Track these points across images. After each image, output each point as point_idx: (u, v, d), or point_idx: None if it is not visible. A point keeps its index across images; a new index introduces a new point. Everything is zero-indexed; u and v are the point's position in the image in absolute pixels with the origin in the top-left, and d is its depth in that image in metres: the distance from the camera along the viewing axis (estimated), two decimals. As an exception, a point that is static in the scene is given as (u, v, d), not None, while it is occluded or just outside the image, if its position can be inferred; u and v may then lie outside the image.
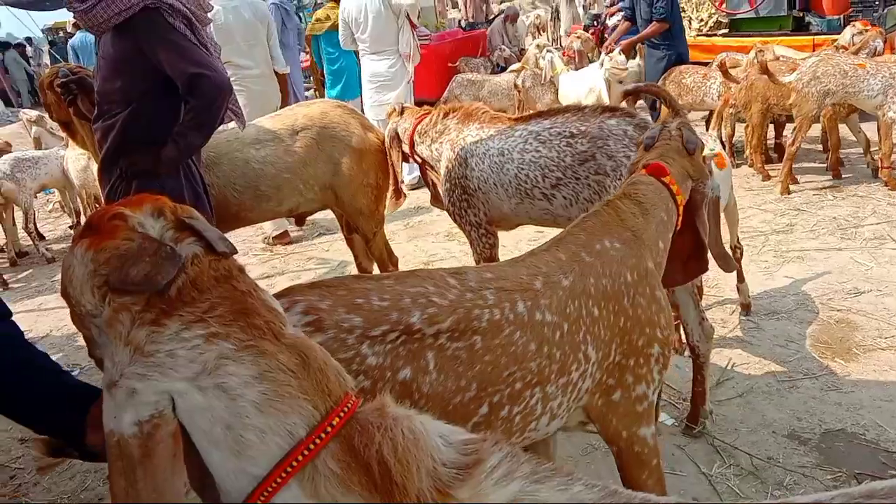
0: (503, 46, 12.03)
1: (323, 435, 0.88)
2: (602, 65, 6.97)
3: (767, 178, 5.94)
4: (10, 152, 6.37)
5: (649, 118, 2.90)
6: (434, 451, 0.89)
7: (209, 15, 2.70)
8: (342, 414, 0.91)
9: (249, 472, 0.89)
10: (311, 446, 0.88)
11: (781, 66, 5.66)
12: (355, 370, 1.41)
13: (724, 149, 5.79)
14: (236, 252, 0.99)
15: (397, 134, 3.43)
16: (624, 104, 5.41)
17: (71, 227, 6.98)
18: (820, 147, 6.55)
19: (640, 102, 7.90)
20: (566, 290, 1.69)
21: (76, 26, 13.49)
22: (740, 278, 3.73)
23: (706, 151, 3.31)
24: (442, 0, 11.38)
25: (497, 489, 0.88)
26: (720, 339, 3.52)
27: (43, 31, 20.65)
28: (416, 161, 3.44)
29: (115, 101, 2.51)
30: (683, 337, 2.97)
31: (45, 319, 4.87)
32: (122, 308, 0.89)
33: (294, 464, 0.87)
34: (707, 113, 7.15)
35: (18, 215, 6.35)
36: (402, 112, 3.49)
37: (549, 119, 2.79)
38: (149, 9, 2.38)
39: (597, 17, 11.60)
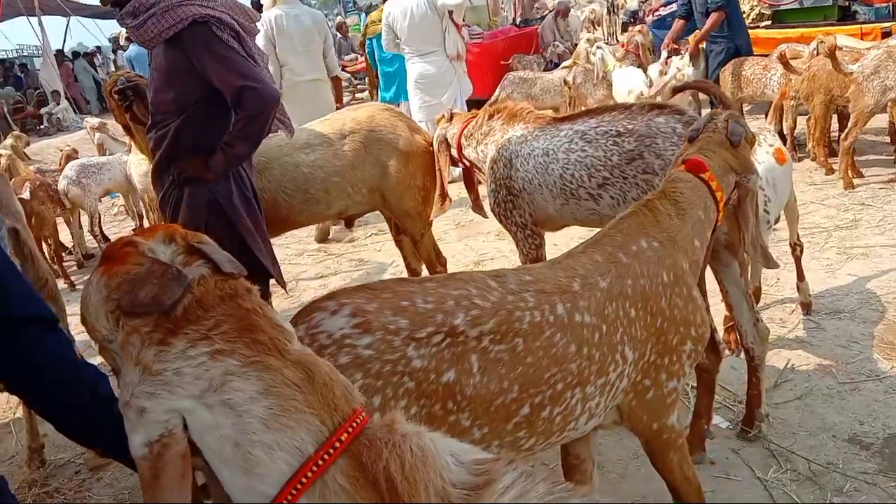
0: (556, 42, 11.91)
1: (331, 451, 0.88)
2: (663, 69, 6.84)
3: (831, 171, 5.72)
4: (77, 158, 6.63)
5: (695, 113, 2.82)
6: (443, 471, 0.88)
7: (257, 25, 2.75)
8: (351, 429, 0.90)
9: (259, 489, 0.89)
10: (320, 462, 0.87)
11: (845, 56, 5.44)
12: (401, 372, 1.43)
13: (785, 143, 5.61)
14: (245, 273, 1.01)
15: (446, 139, 3.43)
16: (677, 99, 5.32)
17: (133, 230, 7.22)
18: (888, 139, 6.27)
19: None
20: (604, 292, 1.69)
21: (128, 39, 14.00)
22: (800, 276, 3.61)
23: (765, 146, 3.21)
24: (497, -1, 11.33)
25: None
26: (779, 339, 3.41)
27: (109, 40, 21.44)
28: (463, 164, 3.44)
29: (167, 111, 2.59)
30: (739, 338, 2.89)
31: (109, 320, 5.06)
32: (133, 330, 0.92)
33: (303, 481, 0.87)
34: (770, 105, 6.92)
35: (84, 219, 6.60)
36: (450, 118, 3.49)
37: (596, 118, 2.75)
38: (197, 23, 2.44)
39: (634, 14, 11.20)
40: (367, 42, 7.82)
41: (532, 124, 3.00)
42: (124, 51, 13.77)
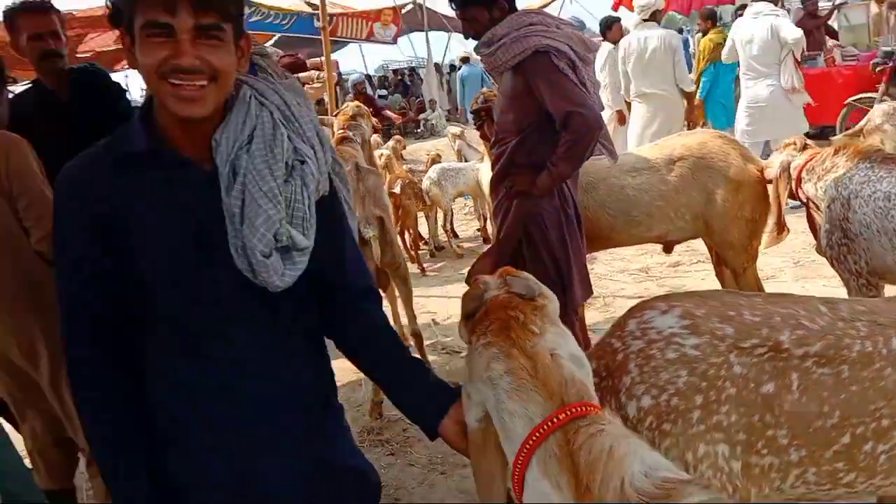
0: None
1: (550, 423, 1.12)
2: None
3: None
4: (440, 162, 7.61)
5: None
6: (627, 475, 1.02)
7: (596, 54, 2.99)
8: (568, 413, 1.12)
9: (510, 450, 1.17)
10: (543, 430, 1.12)
11: None
12: (723, 376, 1.51)
13: None
14: (533, 294, 1.31)
15: (788, 167, 3.29)
16: None
17: (478, 230, 8.01)
18: None
19: None
20: None
21: (464, 60, 15.43)
22: None
23: None
24: (883, 16, 9.96)
25: None
26: None
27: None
28: (800, 200, 3.27)
29: (508, 130, 2.94)
30: None
31: (448, 305, 5.73)
32: (467, 333, 1.33)
33: (531, 442, 1.11)
34: None
35: (440, 215, 7.54)
36: (803, 147, 3.34)
37: None
38: (538, 52, 2.73)
39: (889, 54, 8.40)
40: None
41: (879, 164, 2.75)
42: (457, 70, 15.26)
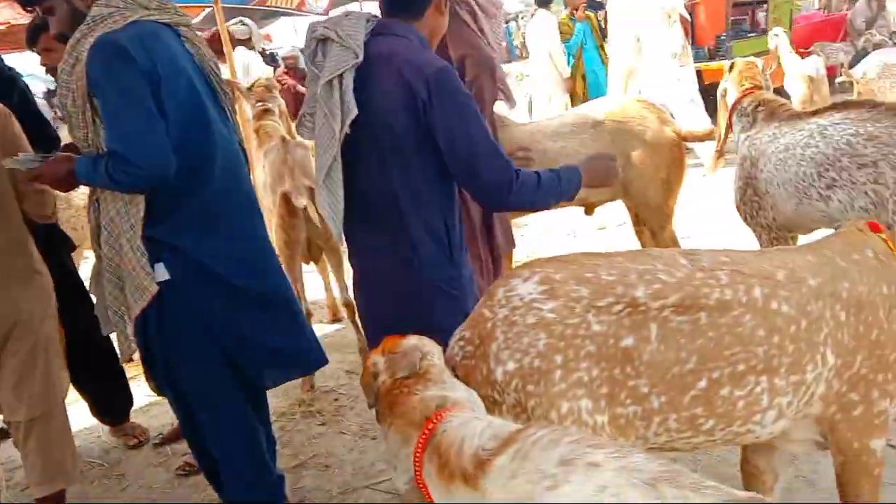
0: (873, 31, 10.61)
1: (421, 440, 1.37)
2: None
3: None
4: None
5: None
6: (476, 444, 1.21)
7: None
8: (435, 419, 1.38)
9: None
10: (418, 446, 1.37)
11: None
12: (581, 335, 1.57)
13: None
14: (416, 369, 1.52)
15: (725, 94, 3.36)
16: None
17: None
18: None
19: None
20: (811, 289, 1.68)
21: None
22: None
23: None
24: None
25: (543, 452, 1.05)
26: None
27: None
28: (727, 124, 3.33)
29: None
30: None
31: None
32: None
33: (417, 461, 1.37)
34: None
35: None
36: (731, 68, 3.38)
37: (841, 113, 2.56)
38: None
39: None
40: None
41: (786, 122, 2.87)
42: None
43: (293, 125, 6.13)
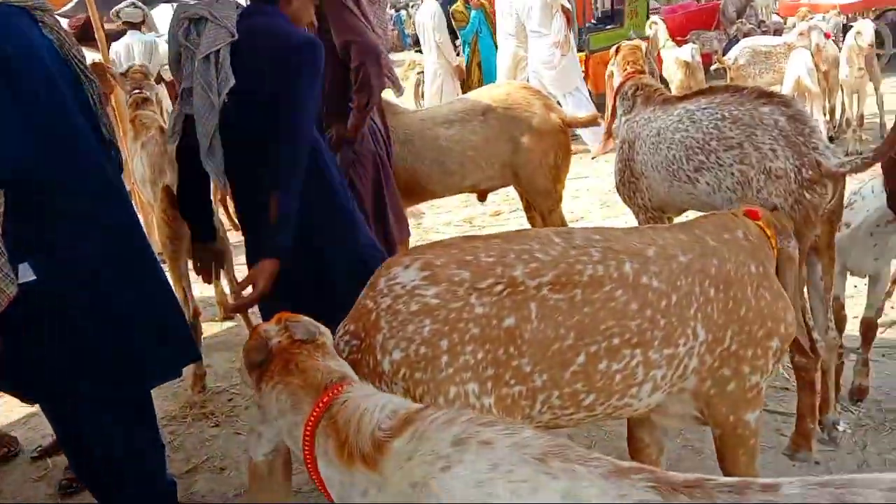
0: (743, 20, 11.25)
1: (319, 405, 1.28)
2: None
3: None
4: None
5: (802, 107, 2.69)
6: (374, 423, 1.18)
7: None
8: (330, 394, 1.30)
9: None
10: (313, 416, 1.28)
11: None
12: (464, 318, 1.58)
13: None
14: (314, 336, 1.44)
15: (612, 76, 3.41)
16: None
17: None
18: None
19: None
20: (681, 265, 1.75)
21: None
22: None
23: None
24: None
25: (438, 433, 1.06)
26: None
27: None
28: (612, 107, 3.41)
29: None
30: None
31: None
32: (254, 382, 1.43)
33: (308, 434, 1.27)
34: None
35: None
36: (616, 52, 3.42)
37: (707, 98, 2.69)
38: None
39: None
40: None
41: (660, 106, 2.98)
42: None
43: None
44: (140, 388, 2.33)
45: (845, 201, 2.70)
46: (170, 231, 3.62)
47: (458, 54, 9.25)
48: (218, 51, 2.16)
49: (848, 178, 2.48)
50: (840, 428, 2.69)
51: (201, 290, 4.97)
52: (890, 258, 2.88)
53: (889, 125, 6.45)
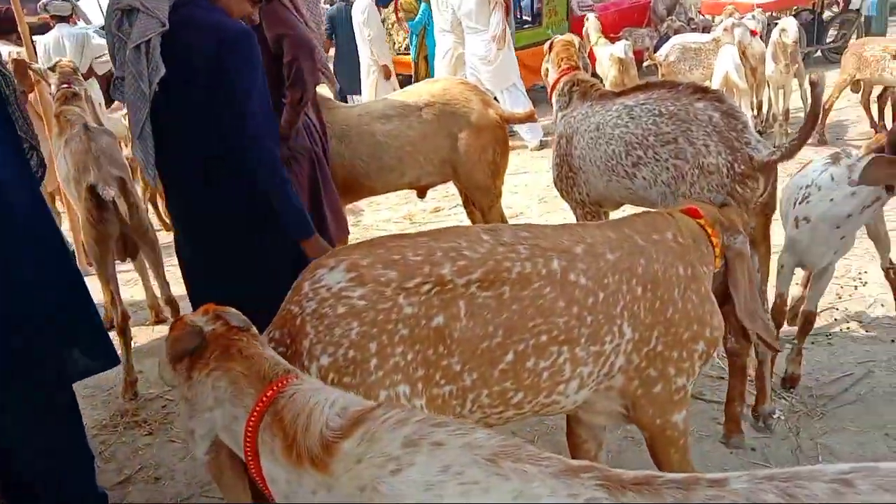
0: (673, 17, 11.52)
1: (263, 399, 1.22)
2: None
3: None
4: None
5: (734, 102, 2.76)
6: (322, 421, 1.13)
7: None
8: (270, 392, 1.23)
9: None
10: (257, 410, 1.22)
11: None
12: (393, 319, 1.55)
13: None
14: (249, 326, 1.38)
15: (547, 74, 3.42)
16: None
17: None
18: None
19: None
20: (609, 263, 1.75)
21: None
22: None
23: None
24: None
25: (389, 433, 1.03)
26: (849, 333, 3.30)
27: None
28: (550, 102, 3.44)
29: None
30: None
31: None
32: (180, 374, 1.34)
33: (251, 428, 1.21)
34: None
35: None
36: (550, 48, 3.43)
37: (646, 94, 2.73)
38: None
39: None
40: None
41: (597, 101, 3.00)
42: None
43: (100, 111, 5.68)
44: (59, 392, 2.22)
45: (800, 195, 2.73)
46: (95, 232, 3.46)
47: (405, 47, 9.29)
48: (148, 40, 2.15)
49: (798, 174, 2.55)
50: (774, 415, 2.77)
51: (132, 293, 4.81)
52: (847, 250, 2.84)
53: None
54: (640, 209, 2.87)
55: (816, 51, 10.52)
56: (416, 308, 1.56)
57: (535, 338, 1.66)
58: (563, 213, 5.47)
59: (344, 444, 1.07)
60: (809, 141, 6.77)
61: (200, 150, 2.29)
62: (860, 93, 6.51)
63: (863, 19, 10.08)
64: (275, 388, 1.21)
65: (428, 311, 1.57)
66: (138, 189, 5.74)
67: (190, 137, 2.28)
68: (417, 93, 3.83)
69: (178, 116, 2.26)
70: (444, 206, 6.18)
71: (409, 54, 9.28)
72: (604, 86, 3.63)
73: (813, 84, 2.29)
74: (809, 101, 2.50)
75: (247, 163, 2.23)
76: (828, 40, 10.54)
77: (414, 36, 8.95)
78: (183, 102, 2.23)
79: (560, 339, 1.68)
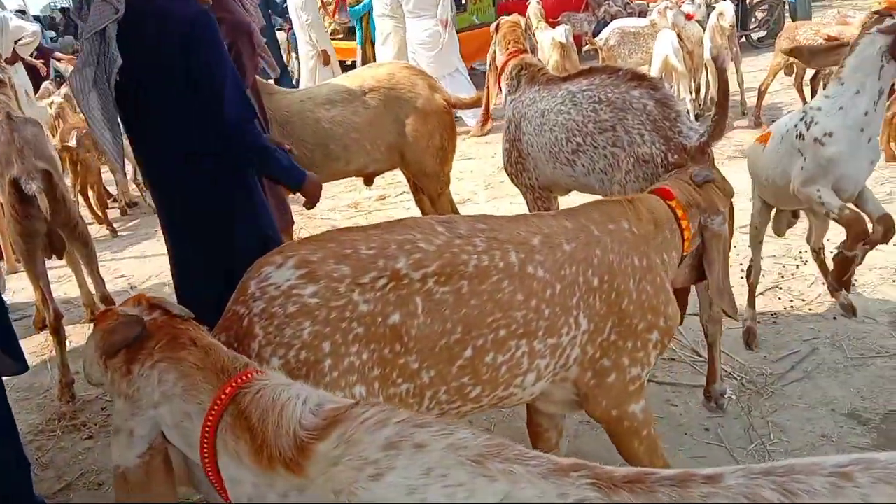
0: (610, 2, 11.62)
1: (222, 397, 1.11)
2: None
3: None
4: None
5: (669, 91, 2.77)
6: (294, 419, 1.04)
7: None
8: (235, 383, 1.13)
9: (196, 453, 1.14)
10: (215, 408, 1.11)
11: None
12: (347, 317, 1.48)
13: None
14: (191, 316, 1.29)
15: (494, 58, 3.37)
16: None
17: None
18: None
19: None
20: (565, 254, 1.71)
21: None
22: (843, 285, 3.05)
23: None
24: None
25: (369, 435, 0.97)
26: (793, 312, 3.37)
27: None
28: (488, 87, 3.40)
29: None
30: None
31: (146, 265, 5.25)
32: (114, 370, 1.20)
33: (208, 426, 1.10)
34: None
35: (129, 168, 6.80)
36: (496, 29, 3.37)
37: (587, 80, 2.71)
38: None
39: None
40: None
41: (544, 86, 2.97)
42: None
43: (26, 99, 5.39)
44: None
45: (801, 126, 2.66)
46: (20, 228, 3.27)
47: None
48: (104, 29, 2.13)
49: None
50: (725, 395, 2.81)
51: (65, 291, 4.59)
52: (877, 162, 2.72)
53: (749, 102, 6.83)
54: (589, 197, 2.89)
55: (741, 36, 10.78)
56: (371, 305, 1.49)
57: (494, 332, 1.62)
58: (510, 199, 5.46)
59: (320, 446, 1.00)
60: (745, 124, 6.92)
61: (180, 141, 2.26)
62: (793, 76, 6.67)
63: (787, 6, 10.35)
64: (235, 382, 1.11)
65: (384, 308, 1.50)
66: (68, 181, 5.50)
67: (169, 127, 2.25)
68: (362, 77, 3.73)
69: (153, 107, 2.25)
70: (391, 194, 6.10)
71: (338, 38, 9.17)
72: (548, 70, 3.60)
73: (714, 59, 2.31)
74: (724, 80, 2.48)
75: (231, 144, 2.24)
76: (751, 25, 10.79)
77: (358, 21, 8.80)
78: (155, 91, 2.22)
79: (518, 332, 1.64)
